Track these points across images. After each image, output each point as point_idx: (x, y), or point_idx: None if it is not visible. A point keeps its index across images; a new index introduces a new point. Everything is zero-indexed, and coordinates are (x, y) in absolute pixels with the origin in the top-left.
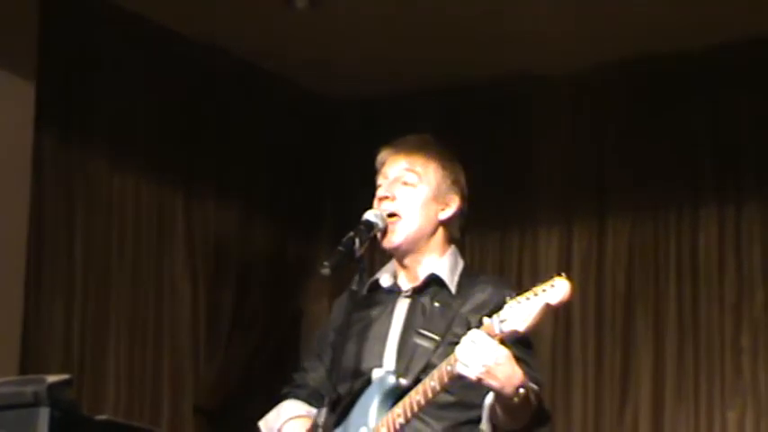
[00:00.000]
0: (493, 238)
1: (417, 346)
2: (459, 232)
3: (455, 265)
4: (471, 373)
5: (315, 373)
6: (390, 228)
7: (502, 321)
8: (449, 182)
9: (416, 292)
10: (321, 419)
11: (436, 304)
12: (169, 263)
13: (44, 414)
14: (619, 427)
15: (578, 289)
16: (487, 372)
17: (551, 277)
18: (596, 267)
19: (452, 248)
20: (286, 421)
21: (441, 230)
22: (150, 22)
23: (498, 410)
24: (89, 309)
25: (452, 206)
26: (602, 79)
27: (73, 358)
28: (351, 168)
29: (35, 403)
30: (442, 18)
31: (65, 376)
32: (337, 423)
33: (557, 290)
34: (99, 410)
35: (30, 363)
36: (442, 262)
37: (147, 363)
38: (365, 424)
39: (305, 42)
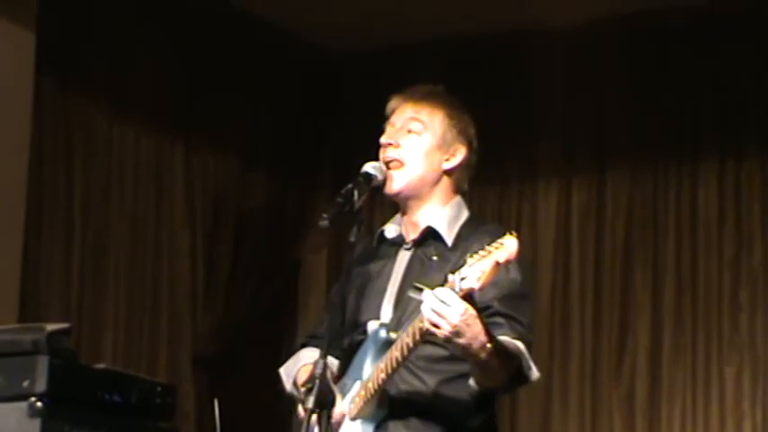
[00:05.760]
0: (493, 191)
1: (411, 299)
2: (467, 183)
3: (456, 215)
4: (440, 332)
5: (327, 325)
6: (390, 175)
7: (462, 279)
8: (455, 131)
9: (417, 245)
10: (318, 371)
11: (434, 257)
12: (168, 211)
13: (43, 362)
14: (616, 380)
15: (577, 241)
16: (456, 332)
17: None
18: (595, 220)
19: (457, 199)
20: (303, 366)
21: (445, 180)
22: None
23: (473, 367)
24: (88, 257)
25: (458, 156)
26: (601, 33)
27: (71, 306)
28: (351, 120)
29: (34, 351)
30: None
31: (64, 325)
32: (341, 374)
33: (505, 248)
34: (97, 359)
35: (28, 310)
36: (442, 213)
37: (146, 312)
38: (360, 377)
39: None
